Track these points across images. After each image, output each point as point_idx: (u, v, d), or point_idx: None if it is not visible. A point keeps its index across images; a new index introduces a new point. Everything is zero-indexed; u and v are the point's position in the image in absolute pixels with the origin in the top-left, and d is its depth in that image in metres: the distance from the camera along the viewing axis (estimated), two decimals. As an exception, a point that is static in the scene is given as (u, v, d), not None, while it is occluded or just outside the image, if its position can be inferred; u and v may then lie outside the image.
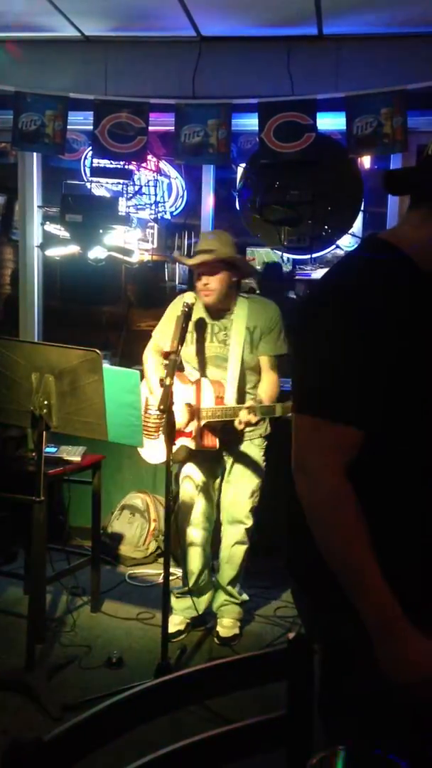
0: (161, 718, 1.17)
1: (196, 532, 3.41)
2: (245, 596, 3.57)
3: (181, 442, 3.27)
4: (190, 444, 3.26)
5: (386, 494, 1.37)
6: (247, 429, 3.20)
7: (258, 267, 5.54)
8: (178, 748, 1.18)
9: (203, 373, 3.33)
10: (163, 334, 3.40)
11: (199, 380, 3.28)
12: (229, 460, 3.41)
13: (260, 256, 5.23)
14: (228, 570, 3.46)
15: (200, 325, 3.32)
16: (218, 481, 3.46)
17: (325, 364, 1.34)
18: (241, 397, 3.31)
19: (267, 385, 3.31)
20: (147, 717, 1.15)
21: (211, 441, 3.26)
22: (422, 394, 1.34)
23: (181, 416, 3.18)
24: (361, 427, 1.32)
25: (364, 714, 1.37)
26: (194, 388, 3.26)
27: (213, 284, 3.20)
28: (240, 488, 3.39)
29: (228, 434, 3.28)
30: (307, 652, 1.27)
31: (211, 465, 3.41)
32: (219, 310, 3.30)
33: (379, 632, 1.27)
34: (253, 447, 3.39)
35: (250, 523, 3.42)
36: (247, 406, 3.12)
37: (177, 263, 5.26)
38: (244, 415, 3.08)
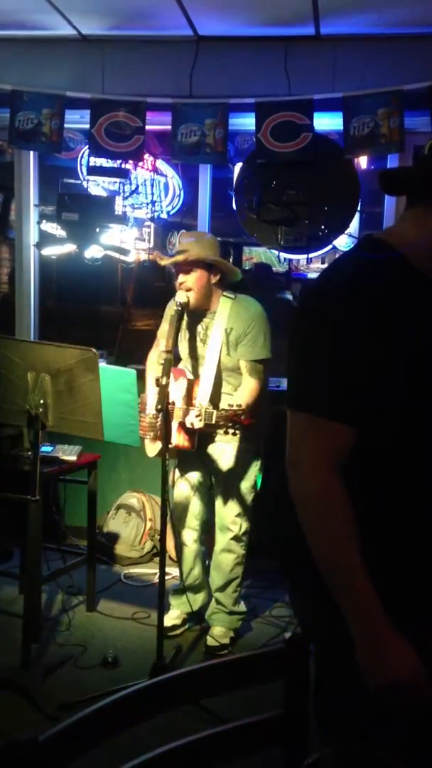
0: (157, 718, 1.17)
1: (186, 533, 3.40)
2: (242, 606, 3.45)
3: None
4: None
5: (380, 494, 1.37)
6: (219, 431, 3.05)
7: (247, 266, 5.51)
8: (174, 748, 1.18)
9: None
10: (162, 333, 3.41)
11: (179, 377, 3.23)
12: (211, 464, 3.32)
13: (258, 255, 5.24)
14: (216, 577, 3.38)
15: (182, 324, 3.28)
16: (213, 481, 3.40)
17: (319, 363, 1.35)
18: (216, 399, 3.24)
19: (242, 391, 3.19)
20: (142, 717, 1.15)
21: (183, 441, 3.17)
22: (416, 393, 1.34)
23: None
24: (355, 426, 1.32)
25: (361, 713, 1.37)
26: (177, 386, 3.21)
27: (188, 282, 3.20)
28: (223, 493, 3.31)
29: (201, 435, 3.19)
30: (304, 652, 1.27)
31: (204, 465, 3.36)
32: (200, 310, 3.27)
33: (359, 632, 1.27)
34: (231, 448, 3.25)
35: (236, 529, 3.29)
36: (206, 408, 3.02)
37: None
38: (190, 417, 3.03)
